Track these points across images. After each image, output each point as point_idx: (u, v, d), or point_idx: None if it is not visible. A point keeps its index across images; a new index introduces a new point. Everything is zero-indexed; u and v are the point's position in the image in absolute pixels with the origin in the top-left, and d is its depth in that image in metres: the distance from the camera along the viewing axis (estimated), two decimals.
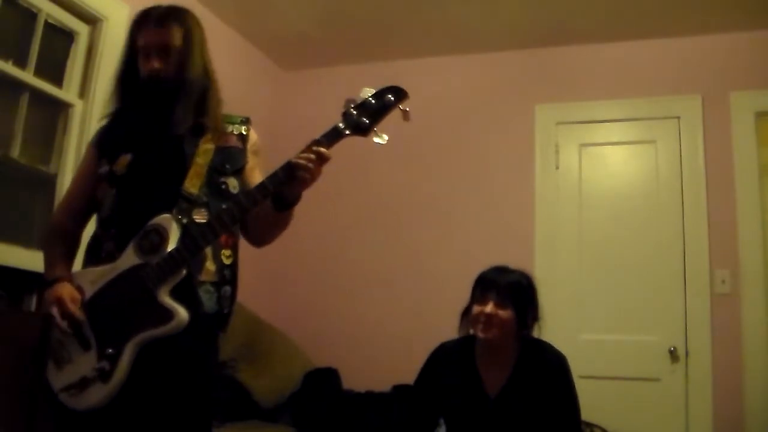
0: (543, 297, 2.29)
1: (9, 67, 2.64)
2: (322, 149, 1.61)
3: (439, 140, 3.96)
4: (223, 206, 1.68)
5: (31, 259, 2.38)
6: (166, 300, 1.60)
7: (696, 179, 3.46)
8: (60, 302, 1.65)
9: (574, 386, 2.19)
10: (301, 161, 1.60)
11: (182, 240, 1.63)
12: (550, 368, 2.18)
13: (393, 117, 1.69)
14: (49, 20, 2.80)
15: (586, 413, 2.38)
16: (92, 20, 2.97)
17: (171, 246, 1.61)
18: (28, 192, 2.82)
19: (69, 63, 2.93)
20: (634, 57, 3.70)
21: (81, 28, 2.95)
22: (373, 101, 1.64)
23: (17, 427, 2.10)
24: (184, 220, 1.66)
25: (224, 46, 3.71)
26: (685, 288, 3.38)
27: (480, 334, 2.17)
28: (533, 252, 3.59)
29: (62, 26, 2.88)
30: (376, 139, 1.64)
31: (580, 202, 3.65)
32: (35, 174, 2.81)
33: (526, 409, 2.14)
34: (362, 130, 1.63)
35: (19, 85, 2.70)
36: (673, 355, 3.33)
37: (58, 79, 2.88)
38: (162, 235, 1.63)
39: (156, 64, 1.74)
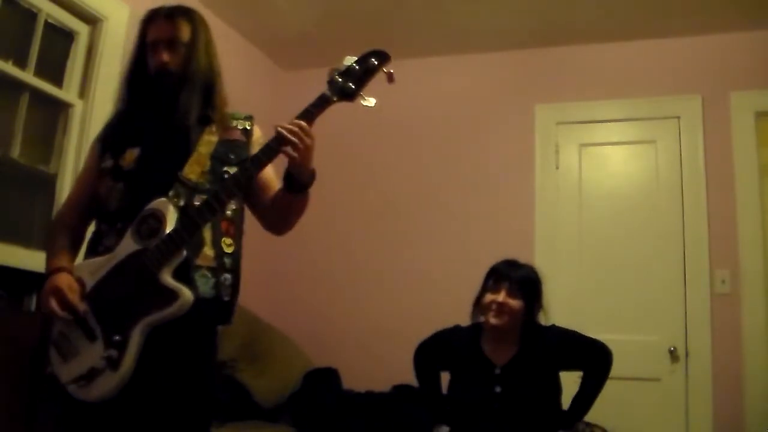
0: (547, 301, 2.43)
1: (9, 67, 2.64)
2: (302, 123, 1.63)
3: (439, 140, 3.96)
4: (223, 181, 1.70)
5: (31, 259, 2.38)
6: (169, 281, 1.60)
7: (696, 179, 3.46)
8: (58, 292, 1.65)
9: (574, 330, 2.40)
10: (284, 130, 1.62)
11: (180, 221, 1.63)
12: (552, 338, 2.36)
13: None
14: (49, 20, 2.80)
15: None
16: (92, 20, 2.96)
17: (169, 228, 1.62)
18: (28, 192, 2.82)
19: (69, 63, 2.93)
20: (634, 57, 3.69)
21: (81, 28, 2.95)
22: (357, 66, 1.66)
23: (17, 427, 2.10)
24: (181, 203, 1.66)
25: (224, 46, 3.69)
26: (685, 288, 3.38)
27: (491, 320, 2.30)
28: (533, 252, 3.58)
29: (62, 26, 2.88)
30: (363, 103, 1.66)
31: (580, 202, 3.66)
32: (35, 174, 2.81)
33: (533, 375, 2.28)
34: (348, 95, 1.65)
35: (19, 85, 2.70)
36: (673, 355, 3.33)
37: (58, 79, 2.88)
38: (159, 219, 1.63)
39: (165, 57, 1.77)
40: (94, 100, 2.89)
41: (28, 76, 2.71)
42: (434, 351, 2.50)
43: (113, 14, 2.98)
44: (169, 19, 1.80)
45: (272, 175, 1.87)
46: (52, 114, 2.88)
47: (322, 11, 3.63)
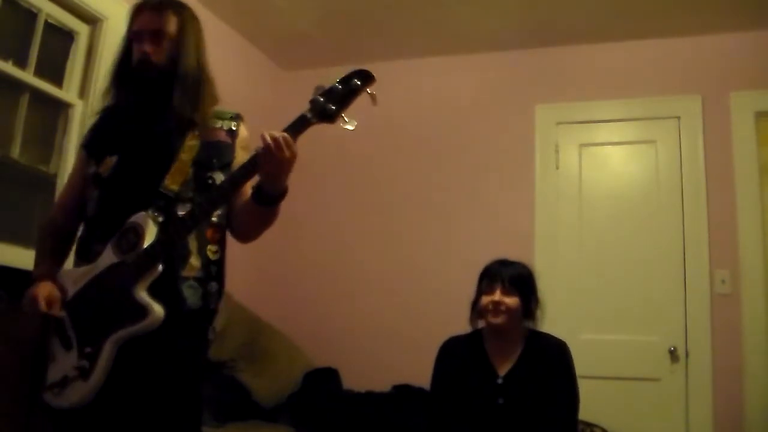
0: (543, 297, 2.42)
1: (9, 67, 2.64)
2: (285, 134, 1.58)
3: (439, 140, 3.96)
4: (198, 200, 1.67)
5: (31, 259, 2.35)
6: (142, 296, 1.60)
7: (696, 179, 3.46)
8: (35, 302, 1.66)
9: (573, 370, 2.32)
10: (268, 137, 1.58)
11: (159, 236, 1.63)
12: (553, 351, 2.34)
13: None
14: (49, 20, 2.80)
15: (586, 413, 2.39)
16: (92, 20, 2.97)
17: (147, 243, 1.62)
18: (28, 192, 2.82)
19: (69, 63, 2.93)
20: (634, 57, 3.69)
21: (81, 28, 2.95)
22: (340, 87, 1.61)
23: (17, 427, 2.10)
24: (160, 218, 1.66)
25: (224, 46, 3.71)
26: (685, 288, 3.38)
27: (491, 320, 2.32)
28: (533, 252, 3.58)
29: (62, 26, 2.88)
30: (343, 126, 1.62)
31: (580, 202, 3.65)
32: (35, 174, 2.81)
33: (532, 388, 2.26)
34: (329, 117, 1.60)
35: (19, 85, 2.70)
36: (673, 355, 3.33)
37: (58, 79, 2.88)
38: (138, 233, 1.63)
39: (147, 48, 1.73)
40: (94, 100, 2.88)
41: (28, 76, 2.72)
42: (448, 358, 2.45)
43: (113, 14, 2.98)
44: (156, 10, 1.76)
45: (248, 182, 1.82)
46: (52, 114, 2.88)
47: (322, 11, 3.63)
